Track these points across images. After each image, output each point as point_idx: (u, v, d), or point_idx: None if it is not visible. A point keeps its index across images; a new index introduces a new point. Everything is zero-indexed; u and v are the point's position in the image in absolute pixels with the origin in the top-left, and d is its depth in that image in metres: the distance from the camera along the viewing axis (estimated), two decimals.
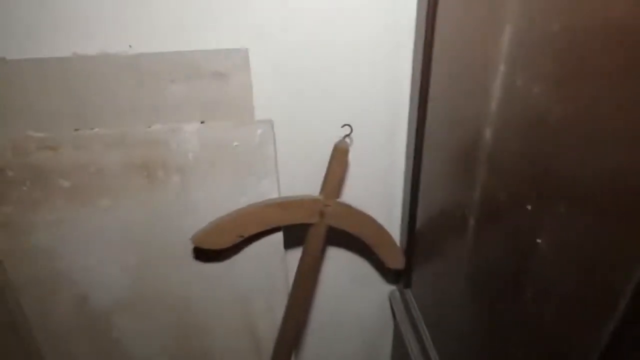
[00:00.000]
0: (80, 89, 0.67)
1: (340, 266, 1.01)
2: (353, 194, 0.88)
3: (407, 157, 0.85)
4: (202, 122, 0.70)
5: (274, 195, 0.76)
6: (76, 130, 0.69)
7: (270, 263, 0.80)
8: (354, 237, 0.95)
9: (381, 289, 1.07)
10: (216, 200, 0.74)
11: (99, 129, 0.69)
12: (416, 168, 0.80)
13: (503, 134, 0.51)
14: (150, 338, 0.84)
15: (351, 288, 1.05)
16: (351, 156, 0.82)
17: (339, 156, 0.74)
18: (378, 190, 0.90)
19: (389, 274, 1.05)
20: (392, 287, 1.06)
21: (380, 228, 0.84)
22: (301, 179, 0.81)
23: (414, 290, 0.93)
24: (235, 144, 0.71)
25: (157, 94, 0.69)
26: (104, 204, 0.72)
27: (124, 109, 0.69)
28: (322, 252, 0.80)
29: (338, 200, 0.78)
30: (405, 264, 0.91)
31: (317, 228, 0.78)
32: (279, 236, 0.78)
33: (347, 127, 0.74)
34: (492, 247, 0.57)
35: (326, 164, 0.75)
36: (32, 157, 0.67)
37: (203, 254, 0.78)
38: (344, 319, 1.11)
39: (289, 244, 0.82)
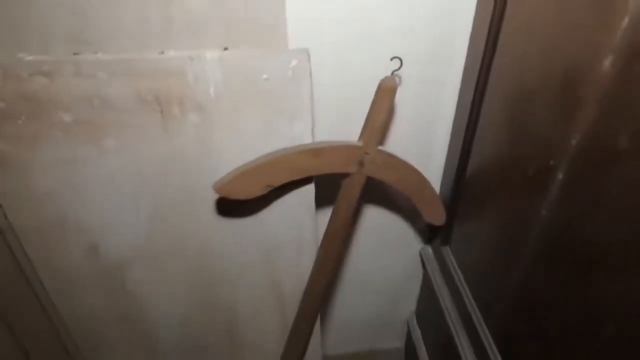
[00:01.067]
0: (80, 1, 0.55)
1: (371, 221, 0.93)
2: (392, 140, 0.78)
3: (461, 99, 0.73)
4: (225, 49, 0.58)
5: (307, 140, 0.65)
6: (75, 54, 0.57)
7: (299, 216, 0.72)
8: (387, 190, 0.86)
9: (411, 247, 1.00)
10: (241, 144, 0.64)
11: (103, 54, 0.58)
12: (474, 111, 0.68)
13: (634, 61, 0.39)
14: (168, 291, 0.79)
15: (381, 244, 0.98)
16: (397, 97, 0.70)
17: (385, 95, 0.62)
18: (421, 138, 0.79)
19: (421, 232, 0.97)
20: (423, 245, 0.99)
21: (423, 180, 0.74)
22: (338, 122, 0.70)
23: (453, 247, 0.85)
24: (265, 76, 0.60)
25: (171, 9, 0.57)
26: (110, 144, 0.62)
27: (132, 30, 0.57)
28: (357, 206, 0.71)
29: (379, 148, 0.67)
30: (447, 220, 0.82)
31: (353, 179, 0.68)
32: (310, 188, 0.69)
33: (396, 59, 0.62)
34: (589, 207, 0.46)
35: (368, 105, 0.64)
36: (25, 85, 0.56)
37: (226, 204, 0.69)
38: (371, 276, 1.06)
39: (320, 196, 0.73)
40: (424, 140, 0.81)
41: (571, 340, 0.50)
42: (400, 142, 0.80)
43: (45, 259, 0.72)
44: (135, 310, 0.80)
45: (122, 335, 0.83)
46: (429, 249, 0.96)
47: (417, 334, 1.13)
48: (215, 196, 0.68)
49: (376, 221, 0.93)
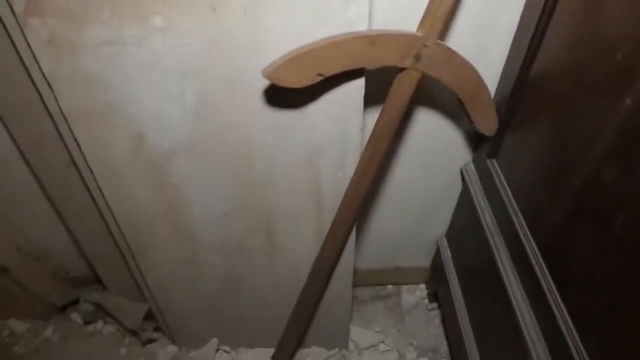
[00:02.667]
0: None
1: (414, 132, 0.90)
2: (448, 36, 0.72)
3: None
4: None
5: (362, 27, 0.61)
6: None
7: (346, 115, 0.69)
8: (436, 95, 0.82)
9: (452, 163, 0.97)
10: (292, 29, 0.60)
11: None
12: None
13: None
14: (211, 187, 0.80)
15: (421, 159, 0.96)
16: None
17: None
18: (481, 38, 0.73)
19: (464, 147, 0.94)
20: (465, 162, 0.96)
21: (481, 82, 0.69)
22: (398, 11, 0.64)
23: (501, 159, 0.82)
24: None
25: None
26: (157, 23, 0.60)
27: None
28: (407, 108, 0.68)
29: (439, 41, 0.63)
30: (497, 131, 0.78)
31: (408, 74, 0.64)
32: (360, 83, 0.66)
33: None
34: None
35: None
36: None
37: (272, 93, 0.67)
38: (406, 193, 1.05)
39: (368, 97, 0.69)
40: (484, 41, 0.74)
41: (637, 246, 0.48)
42: (456, 40, 0.74)
43: (94, 148, 0.73)
44: (179, 205, 0.82)
45: (167, 230, 0.87)
46: (472, 165, 0.93)
47: (446, 254, 1.14)
48: (262, 85, 0.65)
49: (419, 132, 0.90)
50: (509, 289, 0.74)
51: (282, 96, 0.67)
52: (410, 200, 1.08)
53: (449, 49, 0.64)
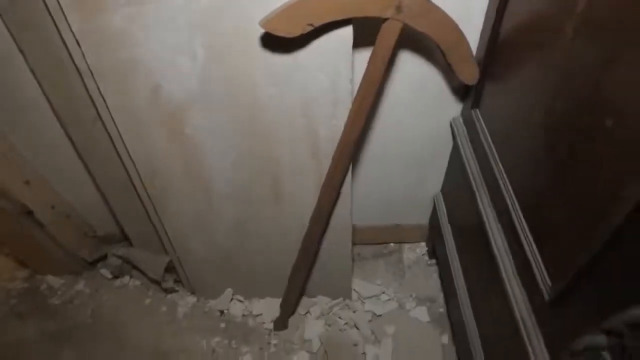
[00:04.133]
0: None
1: (403, 85, 0.97)
2: None
3: None
4: None
5: None
6: None
7: (337, 63, 0.78)
8: (423, 50, 0.89)
9: (442, 117, 1.04)
10: None
11: None
12: None
13: None
14: (221, 137, 0.89)
15: (412, 111, 1.03)
16: None
17: None
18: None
19: (453, 100, 1.01)
20: (455, 114, 1.03)
21: (459, 32, 0.77)
22: None
23: (483, 109, 0.89)
24: None
25: None
26: None
27: None
28: (392, 58, 0.76)
29: None
30: (478, 81, 0.85)
31: (390, 24, 0.72)
32: (348, 30, 0.74)
33: None
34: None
35: None
36: None
37: (270, 45, 0.76)
38: (400, 148, 1.12)
39: (358, 47, 0.77)
40: (468, 2, 0.81)
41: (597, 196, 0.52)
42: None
43: (117, 101, 0.84)
44: (193, 154, 0.92)
45: (183, 179, 0.97)
46: (460, 118, 1.00)
47: (442, 210, 1.20)
48: (262, 36, 0.74)
49: (409, 85, 0.96)
50: (491, 238, 0.79)
51: (280, 47, 0.76)
52: (405, 156, 1.15)
53: (427, 1, 0.71)
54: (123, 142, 0.91)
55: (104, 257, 1.43)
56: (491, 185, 0.83)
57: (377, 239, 1.45)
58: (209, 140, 0.90)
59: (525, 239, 0.69)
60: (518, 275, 0.72)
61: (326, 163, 0.92)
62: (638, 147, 0.44)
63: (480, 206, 0.84)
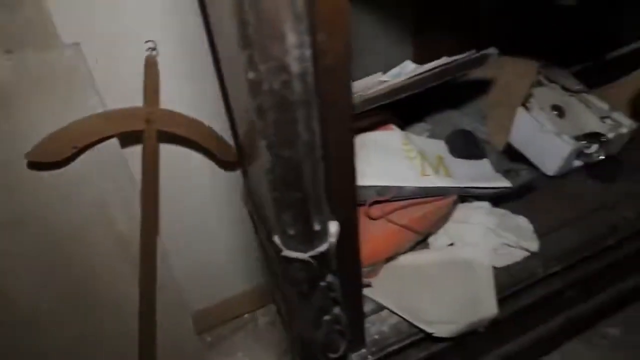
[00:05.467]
0: None
1: (181, 164, 1.14)
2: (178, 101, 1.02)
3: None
4: (8, 52, 0.80)
5: (100, 110, 0.89)
6: None
7: (115, 168, 0.95)
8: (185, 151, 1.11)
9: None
10: (46, 122, 0.85)
11: None
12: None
13: None
14: (24, 259, 0.95)
15: (194, 182, 1.20)
16: (164, 65, 0.95)
17: (150, 67, 0.89)
18: (196, 96, 1.04)
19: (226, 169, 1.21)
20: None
21: (204, 126, 1.01)
22: (129, 95, 0.93)
23: (247, 179, 1.13)
24: (49, 68, 0.82)
25: None
26: None
27: None
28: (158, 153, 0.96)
29: (162, 107, 0.94)
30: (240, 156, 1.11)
31: (148, 133, 0.93)
32: (114, 142, 0.92)
33: (150, 42, 0.89)
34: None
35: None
36: None
37: (47, 169, 0.89)
38: (199, 225, 1.28)
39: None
40: (200, 98, 1.06)
41: None
42: (188, 101, 1.03)
43: None
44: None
45: None
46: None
47: (264, 265, 1.38)
48: (34, 166, 0.87)
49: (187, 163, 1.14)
50: None
51: (55, 167, 0.89)
52: (208, 228, 1.30)
53: (170, 111, 0.95)
54: None
55: None
56: None
57: (229, 314, 1.54)
58: (9, 262, 0.94)
59: None
60: None
61: (136, 260, 1.04)
62: None
63: None
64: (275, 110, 0.34)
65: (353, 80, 1.01)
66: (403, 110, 1.07)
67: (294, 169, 0.38)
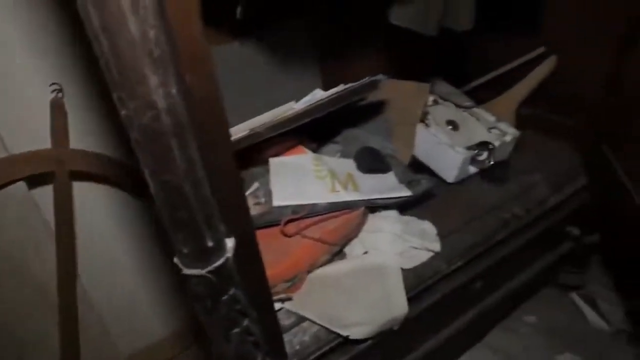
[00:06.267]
0: None
1: (96, 201, 1.13)
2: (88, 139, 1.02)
3: None
4: None
5: (3, 154, 0.88)
6: None
7: (25, 212, 0.92)
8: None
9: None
10: None
11: None
12: None
13: None
14: None
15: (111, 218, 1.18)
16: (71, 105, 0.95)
17: (56, 110, 0.90)
18: (109, 130, 1.05)
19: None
20: None
21: (114, 161, 1.03)
22: (40, 136, 0.92)
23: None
24: None
25: None
26: None
27: None
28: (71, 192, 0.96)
29: (72, 147, 0.94)
30: None
31: (59, 174, 0.93)
32: (22, 186, 0.90)
33: (55, 84, 0.91)
34: None
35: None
36: None
37: None
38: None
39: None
40: (109, 133, 1.06)
41: None
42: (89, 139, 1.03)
43: None
44: None
45: None
46: None
47: None
48: None
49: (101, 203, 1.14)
50: None
51: None
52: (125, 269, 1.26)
53: (81, 150, 0.96)
54: None
55: None
56: None
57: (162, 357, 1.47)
58: None
59: None
60: None
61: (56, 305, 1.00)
62: None
63: None
64: (149, 141, 0.39)
65: (269, 110, 1.10)
66: (318, 132, 1.16)
67: (177, 192, 0.43)
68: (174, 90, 0.38)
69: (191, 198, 0.44)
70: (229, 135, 0.47)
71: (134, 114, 0.38)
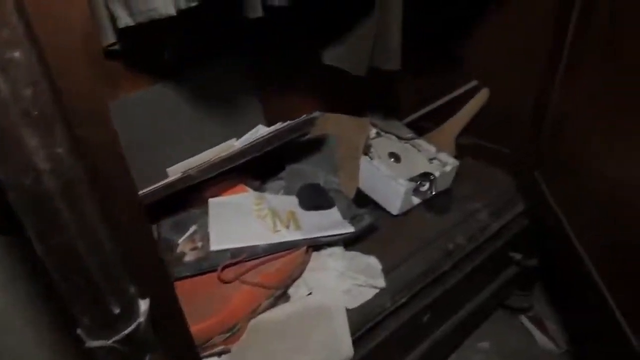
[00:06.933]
0: None
1: None
2: None
3: None
4: None
5: None
6: None
7: None
8: None
9: None
10: None
11: None
12: None
13: None
14: None
15: None
16: None
17: None
18: None
19: None
20: None
21: None
22: None
23: None
24: None
25: None
26: None
27: None
28: None
29: None
30: None
31: None
32: None
33: None
34: None
35: None
36: None
37: None
38: None
39: None
40: None
41: None
42: None
43: None
44: None
45: None
46: None
47: None
48: None
49: None
50: None
51: None
52: None
53: None
54: None
55: None
56: None
57: None
58: None
59: None
60: None
61: None
62: None
63: None
64: (31, 204, 0.35)
65: (209, 148, 1.06)
66: (262, 168, 1.14)
67: (69, 255, 0.39)
68: (60, 150, 0.35)
69: (88, 261, 0.40)
70: (133, 187, 0.43)
71: (12, 176, 0.34)
